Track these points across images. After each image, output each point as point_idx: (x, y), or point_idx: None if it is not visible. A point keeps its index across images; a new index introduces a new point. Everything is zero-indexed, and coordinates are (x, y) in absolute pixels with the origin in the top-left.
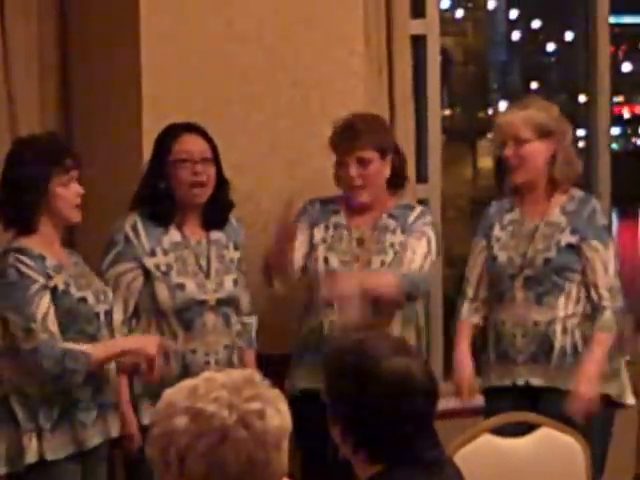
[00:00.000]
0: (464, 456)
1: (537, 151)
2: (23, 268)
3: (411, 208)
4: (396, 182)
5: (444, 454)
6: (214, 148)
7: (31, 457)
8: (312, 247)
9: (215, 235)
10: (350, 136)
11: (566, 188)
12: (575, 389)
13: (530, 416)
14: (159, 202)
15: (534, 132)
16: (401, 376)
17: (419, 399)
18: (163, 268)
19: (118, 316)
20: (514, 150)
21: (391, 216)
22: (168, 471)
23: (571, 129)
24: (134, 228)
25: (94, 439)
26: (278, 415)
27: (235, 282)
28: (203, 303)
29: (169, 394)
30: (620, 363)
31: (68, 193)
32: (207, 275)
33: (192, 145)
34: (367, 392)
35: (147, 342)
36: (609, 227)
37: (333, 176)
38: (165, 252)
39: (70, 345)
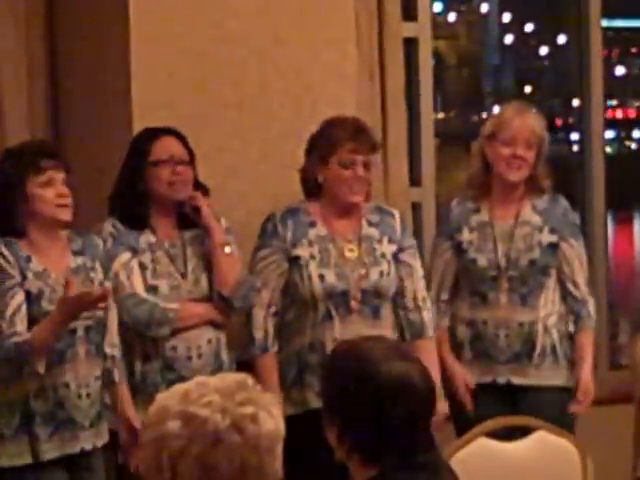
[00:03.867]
0: (460, 460)
1: (533, 157)
2: (1, 261)
3: (387, 213)
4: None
5: (440, 457)
6: (191, 152)
7: None
8: (297, 265)
9: (190, 233)
10: (365, 137)
11: (542, 190)
12: (582, 387)
13: (526, 419)
14: (135, 203)
15: (538, 140)
16: (399, 379)
17: (417, 402)
18: (142, 267)
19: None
20: (523, 152)
21: (371, 224)
22: (160, 476)
23: None
24: (114, 227)
25: (49, 453)
26: (271, 419)
27: (211, 281)
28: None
29: (161, 398)
30: None
31: (47, 193)
32: (184, 275)
33: (173, 147)
34: (365, 394)
35: (77, 305)
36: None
37: (303, 177)
38: (143, 251)
39: (17, 338)
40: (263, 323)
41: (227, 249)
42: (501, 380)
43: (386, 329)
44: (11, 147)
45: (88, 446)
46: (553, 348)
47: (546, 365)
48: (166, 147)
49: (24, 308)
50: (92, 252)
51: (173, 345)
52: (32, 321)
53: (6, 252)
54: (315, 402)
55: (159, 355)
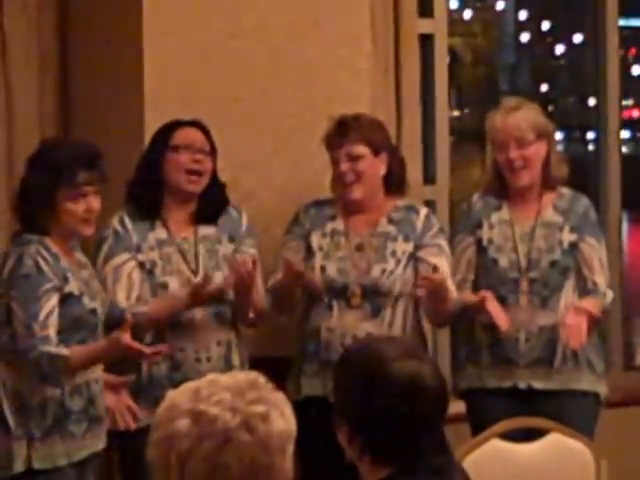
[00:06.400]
0: (473, 461)
1: (539, 152)
2: (42, 263)
3: (413, 211)
4: (393, 184)
5: (453, 459)
6: (213, 146)
7: (19, 465)
8: (310, 254)
9: (204, 230)
10: (340, 132)
11: (557, 186)
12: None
13: (540, 421)
14: (150, 190)
15: (535, 133)
16: (411, 379)
17: (429, 403)
18: (148, 266)
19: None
20: (519, 152)
21: (391, 221)
22: (169, 475)
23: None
24: (121, 222)
25: (83, 451)
26: (282, 419)
27: (225, 279)
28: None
29: (171, 396)
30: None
31: (76, 208)
32: (195, 273)
33: (194, 135)
34: (376, 394)
35: (126, 352)
36: (603, 222)
37: (330, 182)
38: (151, 248)
39: (50, 348)
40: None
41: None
42: (522, 385)
43: (386, 328)
44: (50, 145)
45: (103, 445)
46: (574, 351)
47: (568, 369)
48: (187, 135)
49: (56, 312)
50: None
51: (181, 346)
52: (77, 320)
53: (46, 254)
54: (308, 389)
55: (166, 356)
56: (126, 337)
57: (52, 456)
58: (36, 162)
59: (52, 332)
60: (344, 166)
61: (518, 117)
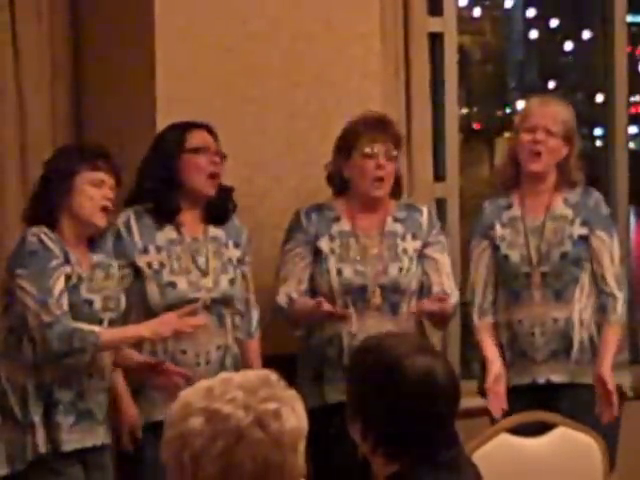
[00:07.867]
0: (482, 455)
1: (560, 148)
2: (46, 239)
3: (416, 210)
4: (396, 186)
5: (463, 454)
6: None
7: (29, 454)
8: (320, 259)
9: (214, 232)
10: (381, 128)
11: (574, 184)
12: (601, 386)
13: (547, 415)
14: (164, 191)
15: (563, 129)
16: (423, 375)
17: (441, 398)
18: (155, 266)
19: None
20: (545, 137)
21: (396, 220)
22: (182, 473)
23: None
24: (126, 224)
25: (69, 444)
26: (294, 416)
27: (231, 282)
28: (196, 302)
29: (184, 395)
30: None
31: (95, 193)
32: (204, 273)
33: (208, 137)
34: (389, 391)
35: (160, 329)
36: (612, 217)
37: (329, 175)
38: (158, 249)
39: (80, 324)
40: (286, 298)
41: None
42: (541, 380)
43: (404, 325)
44: (68, 144)
45: (102, 441)
46: (591, 343)
47: (586, 361)
48: (203, 137)
49: (66, 294)
50: (105, 249)
51: (183, 349)
52: (70, 308)
53: (50, 235)
54: (332, 396)
55: (167, 356)
56: (180, 322)
57: (45, 442)
58: (53, 157)
59: (67, 309)
60: (382, 160)
61: (556, 109)
